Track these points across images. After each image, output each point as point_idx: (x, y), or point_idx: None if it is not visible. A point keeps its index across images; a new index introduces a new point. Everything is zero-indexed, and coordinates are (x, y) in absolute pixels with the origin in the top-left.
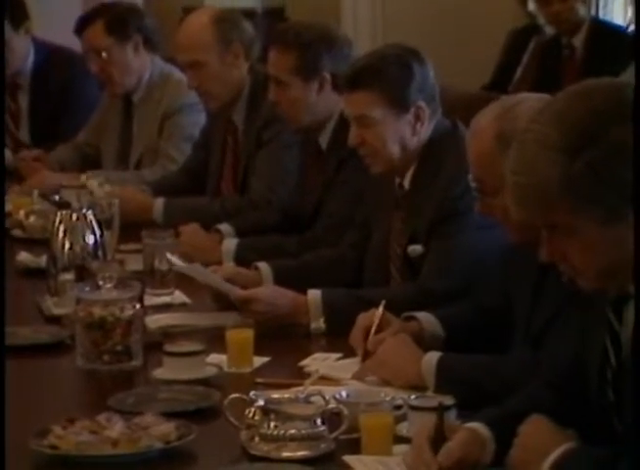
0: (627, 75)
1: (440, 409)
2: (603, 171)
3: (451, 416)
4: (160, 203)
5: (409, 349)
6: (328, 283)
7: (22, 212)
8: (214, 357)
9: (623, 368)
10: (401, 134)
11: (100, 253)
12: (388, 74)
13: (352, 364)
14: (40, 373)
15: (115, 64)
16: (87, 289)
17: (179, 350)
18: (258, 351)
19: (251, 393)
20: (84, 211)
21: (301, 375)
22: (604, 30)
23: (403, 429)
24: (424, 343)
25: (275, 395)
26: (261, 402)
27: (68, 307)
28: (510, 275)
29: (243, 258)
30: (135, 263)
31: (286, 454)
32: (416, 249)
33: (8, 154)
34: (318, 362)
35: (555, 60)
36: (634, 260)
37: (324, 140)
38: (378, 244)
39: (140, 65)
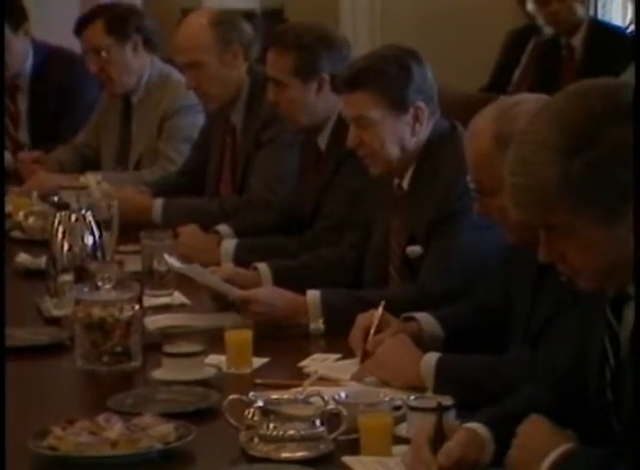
0: (627, 76)
1: (439, 410)
2: (601, 172)
3: (450, 416)
4: (158, 204)
5: (408, 349)
6: (327, 284)
7: (21, 214)
8: (213, 358)
9: (622, 368)
10: (400, 135)
11: (99, 254)
12: (387, 75)
13: (351, 365)
14: (40, 374)
15: (115, 63)
16: (86, 290)
17: (178, 350)
18: (257, 351)
19: (251, 393)
20: (83, 212)
21: (300, 376)
22: (603, 31)
23: (402, 429)
24: (423, 343)
25: (274, 395)
26: (260, 403)
27: (68, 309)
28: (509, 275)
29: (242, 259)
30: (134, 264)
31: (285, 455)
32: (415, 249)
33: (7, 156)
34: (317, 363)
35: (554, 60)
36: (634, 260)
37: (323, 141)
38: (377, 244)
39: (139, 65)
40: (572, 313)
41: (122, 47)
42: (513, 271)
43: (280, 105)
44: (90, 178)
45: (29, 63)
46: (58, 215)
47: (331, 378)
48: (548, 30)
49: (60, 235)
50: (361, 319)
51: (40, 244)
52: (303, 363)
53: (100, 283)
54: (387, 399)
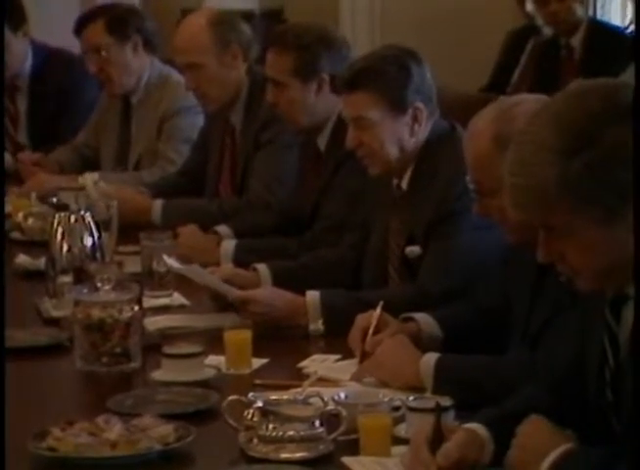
0: (627, 76)
1: (438, 410)
2: (601, 172)
3: (449, 417)
4: (158, 204)
5: (407, 350)
6: (326, 284)
7: (20, 215)
8: (213, 359)
9: (622, 369)
10: (399, 135)
11: (98, 254)
12: (386, 76)
13: (351, 366)
14: (39, 375)
15: (114, 63)
16: (86, 291)
17: (178, 351)
18: (257, 352)
19: (250, 394)
20: (82, 212)
21: (300, 376)
22: (602, 31)
23: (402, 430)
24: (422, 344)
25: (274, 396)
26: (260, 404)
27: (67, 310)
28: (509, 276)
29: (241, 260)
30: (133, 265)
31: (284, 456)
32: (414, 250)
33: (7, 157)
34: (317, 364)
35: (553, 60)
36: (634, 260)
37: (322, 141)
38: (376, 245)
39: (139, 66)
40: (571, 314)
41: (122, 47)
42: (512, 272)
43: (279, 105)
44: (87, 178)
45: (28, 63)
46: (57, 216)
47: (330, 379)
48: (547, 31)
49: (59, 236)
50: (360, 320)
51: (39, 245)
52: (303, 364)
53: (99, 284)
54: (386, 399)
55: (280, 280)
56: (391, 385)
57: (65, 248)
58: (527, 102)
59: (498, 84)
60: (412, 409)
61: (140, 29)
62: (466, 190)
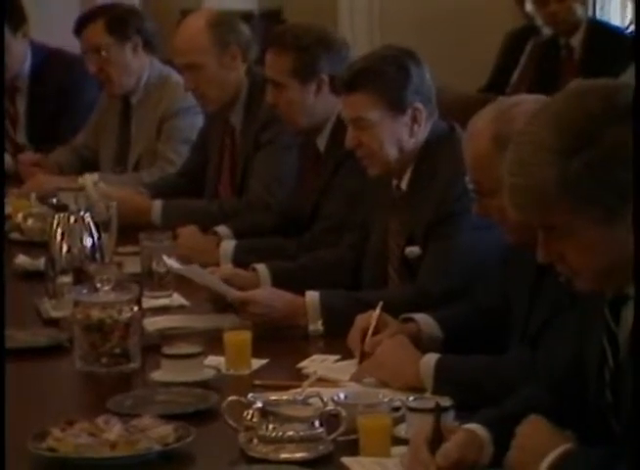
0: (627, 77)
1: (438, 410)
2: (600, 172)
3: (449, 417)
4: (157, 205)
5: (407, 350)
6: (326, 285)
7: (20, 215)
8: (212, 359)
9: (621, 369)
10: (398, 136)
11: (98, 255)
12: (385, 76)
13: (350, 366)
14: (39, 376)
15: (114, 63)
16: (85, 291)
17: (177, 352)
18: (256, 353)
19: (250, 395)
20: (82, 213)
21: (299, 377)
22: (602, 31)
23: (401, 430)
24: (422, 344)
25: (273, 396)
26: (260, 404)
27: (67, 310)
28: (508, 276)
29: (241, 260)
30: (133, 266)
31: (284, 456)
32: (413, 250)
33: (7, 158)
34: (316, 364)
35: (553, 60)
36: (634, 261)
37: (322, 142)
38: (375, 245)
39: (139, 66)
40: (571, 314)
41: (122, 47)
42: (512, 272)
43: (279, 106)
44: (87, 179)
45: (28, 64)
46: (56, 217)
47: (330, 379)
48: (547, 31)
49: (59, 237)
50: (359, 320)
51: (39, 245)
52: (302, 364)
53: (99, 284)
54: (386, 399)
55: (279, 281)
56: (391, 385)
57: (64, 248)
58: (527, 102)
59: (497, 85)
60: (412, 410)
61: (140, 30)
62: (465, 191)
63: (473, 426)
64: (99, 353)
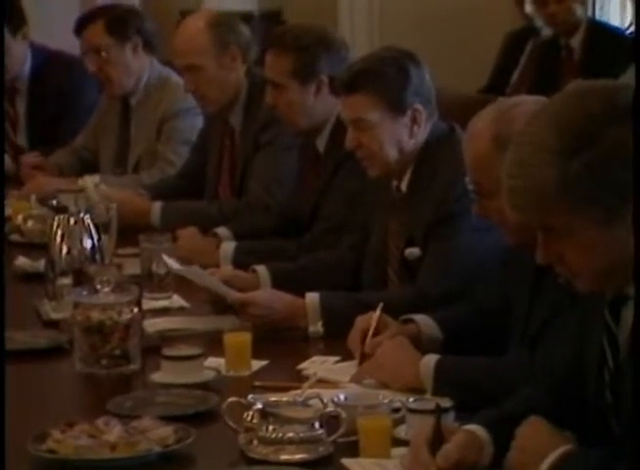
0: (627, 77)
1: (438, 411)
2: (600, 172)
3: (449, 419)
4: (157, 206)
5: (407, 351)
6: (326, 286)
7: (20, 217)
8: (212, 361)
9: (621, 370)
10: (398, 137)
11: (98, 257)
12: (385, 77)
13: (350, 367)
14: (39, 377)
15: (114, 64)
16: (85, 293)
17: (177, 353)
18: (256, 354)
19: (250, 396)
20: (82, 215)
21: (299, 378)
22: (601, 31)
23: (401, 432)
24: (422, 345)
25: (273, 398)
26: (260, 406)
27: (67, 312)
28: (508, 277)
29: (240, 262)
30: (133, 267)
31: (284, 457)
32: (413, 252)
33: (7, 160)
34: (316, 365)
35: (553, 61)
36: (634, 261)
37: (321, 143)
38: (375, 247)
39: (138, 67)
40: (570, 315)
41: (122, 48)
42: (511, 273)
43: (278, 107)
44: (88, 181)
45: (28, 66)
46: (56, 219)
47: (330, 380)
48: (547, 32)
49: (58, 238)
50: (359, 321)
51: (39, 247)
52: (302, 366)
53: (99, 286)
54: (386, 401)
55: (279, 282)
56: (391, 386)
57: (64, 250)
58: (527, 103)
59: (497, 85)
60: (412, 411)
61: (140, 30)
62: (465, 191)
63: (473, 427)
64: (99, 355)
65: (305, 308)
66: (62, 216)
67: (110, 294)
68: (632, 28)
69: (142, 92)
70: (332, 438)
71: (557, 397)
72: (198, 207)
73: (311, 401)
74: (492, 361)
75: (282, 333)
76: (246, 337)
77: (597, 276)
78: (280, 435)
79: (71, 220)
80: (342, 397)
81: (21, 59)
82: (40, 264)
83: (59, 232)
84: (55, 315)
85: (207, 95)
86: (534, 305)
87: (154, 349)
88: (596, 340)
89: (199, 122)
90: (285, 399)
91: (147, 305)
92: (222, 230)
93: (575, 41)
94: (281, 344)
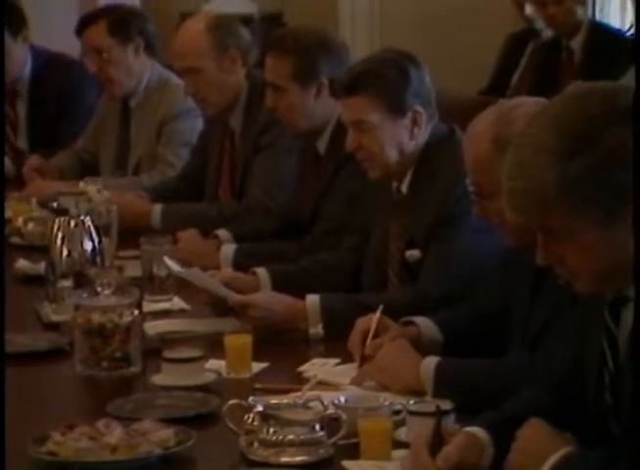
0: (627, 79)
1: (438, 414)
2: (600, 173)
3: (450, 421)
4: (157, 209)
5: (407, 353)
6: (326, 288)
7: (20, 220)
8: (213, 363)
9: (621, 371)
10: (399, 139)
11: (98, 259)
12: (385, 79)
13: (351, 369)
14: (39, 380)
15: (115, 64)
16: (86, 295)
17: (178, 356)
18: (257, 356)
19: (250, 398)
20: (82, 217)
21: (300, 380)
22: (602, 33)
23: (402, 434)
24: (422, 347)
25: (274, 400)
26: (260, 408)
27: (67, 314)
28: (508, 279)
29: (241, 264)
30: (133, 270)
31: (285, 460)
32: (414, 254)
33: (7, 162)
34: (317, 368)
35: (553, 62)
36: (634, 262)
37: (322, 145)
38: (376, 248)
39: (140, 68)
40: (571, 316)
41: (124, 49)
42: (511, 275)
43: (279, 109)
44: (91, 187)
45: (28, 68)
46: (57, 221)
47: (330, 382)
48: (547, 34)
49: (59, 241)
50: (360, 323)
51: (39, 250)
52: (303, 368)
53: (99, 288)
54: (386, 403)
55: (279, 284)
56: (392, 388)
57: (65, 252)
58: (527, 105)
59: (497, 87)
60: (412, 413)
61: (142, 32)
62: (466, 193)
63: (473, 429)
64: (99, 357)
65: (306, 310)
66: (62, 219)
67: (110, 296)
68: (633, 30)
69: (142, 94)
70: (332, 440)
71: (557, 398)
72: (198, 209)
73: (312, 404)
74: (492, 363)
75: (282, 335)
76: (246, 339)
77: (597, 277)
78: (280, 437)
79: (72, 223)
80: (342, 399)
81: (21, 61)
82: (41, 267)
83: (59, 234)
84: (55, 318)
85: (207, 98)
86: (535, 307)
87: (154, 351)
88: (596, 341)
89: (199, 124)
90: (285, 401)
91: (147, 307)
92: (223, 232)
93: (576, 43)
94: (281, 346)
